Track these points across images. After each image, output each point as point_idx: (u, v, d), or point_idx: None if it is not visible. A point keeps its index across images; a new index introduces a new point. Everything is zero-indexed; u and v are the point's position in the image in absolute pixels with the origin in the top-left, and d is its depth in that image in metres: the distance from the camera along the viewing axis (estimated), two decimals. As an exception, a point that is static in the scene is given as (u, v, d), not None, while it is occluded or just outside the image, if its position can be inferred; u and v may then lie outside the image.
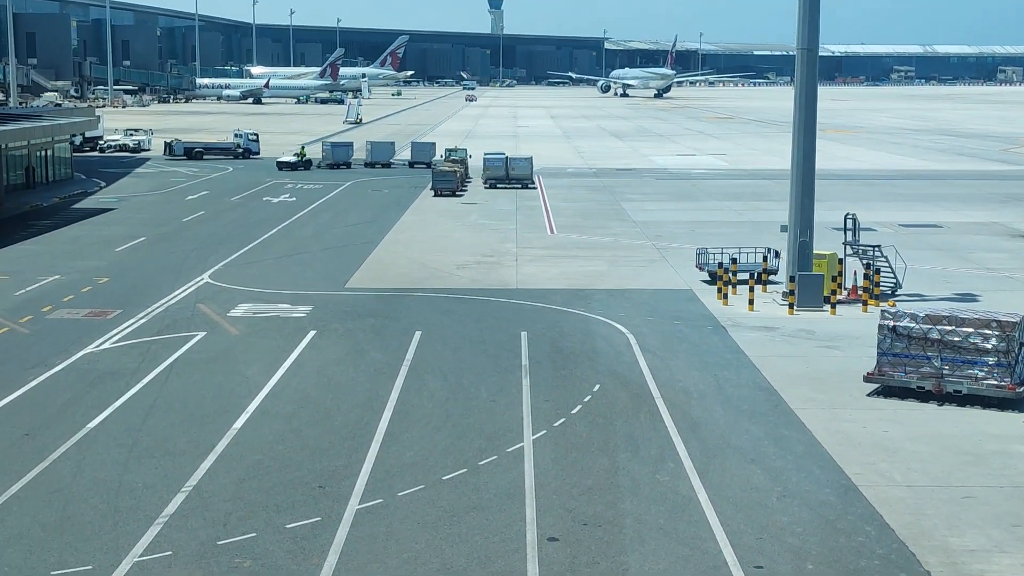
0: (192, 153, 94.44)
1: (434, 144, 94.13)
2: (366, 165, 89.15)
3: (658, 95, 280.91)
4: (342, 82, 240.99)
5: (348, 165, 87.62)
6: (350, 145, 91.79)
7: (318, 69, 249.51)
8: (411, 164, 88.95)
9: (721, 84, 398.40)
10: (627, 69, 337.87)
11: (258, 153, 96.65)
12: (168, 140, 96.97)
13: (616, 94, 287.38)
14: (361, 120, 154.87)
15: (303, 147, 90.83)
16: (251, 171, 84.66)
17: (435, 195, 70.00)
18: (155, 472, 21.98)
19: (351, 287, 40.87)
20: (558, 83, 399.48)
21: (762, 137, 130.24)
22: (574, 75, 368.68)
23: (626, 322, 35.11)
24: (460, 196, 70.02)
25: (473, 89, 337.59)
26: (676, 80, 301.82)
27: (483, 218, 60.23)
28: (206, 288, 40.36)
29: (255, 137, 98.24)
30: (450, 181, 70.35)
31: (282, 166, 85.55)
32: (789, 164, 39.13)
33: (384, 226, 56.69)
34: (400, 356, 30.85)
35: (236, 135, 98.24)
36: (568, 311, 36.79)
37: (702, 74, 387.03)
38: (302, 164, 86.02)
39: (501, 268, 44.79)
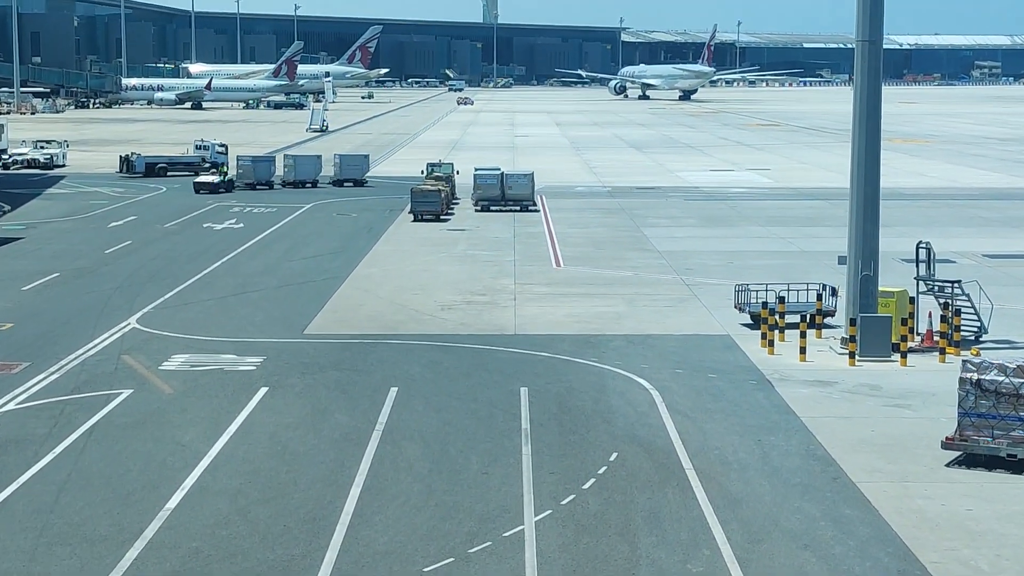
0: (155, 169, 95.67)
1: (366, 156, 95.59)
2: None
3: (684, 97, 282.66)
4: (300, 82, 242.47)
5: (270, 185, 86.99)
6: (271, 160, 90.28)
7: (271, 67, 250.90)
8: (338, 182, 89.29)
9: (764, 84, 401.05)
10: (647, 66, 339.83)
11: (222, 165, 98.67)
12: (125, 154, 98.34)
13: (628, 96, 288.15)
14: (327, 128, 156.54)
15: (223, 164, 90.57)
16: (188, 192, 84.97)
17: (415, 220, 70.25)
18: (70, 563, 21.91)
19: (311, 333, 40.93)
20: (570, 83, 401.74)
21: (814, 148, 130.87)
22: (585, 73, 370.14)
23: (649, 375, 35.14)
24: (445, 221, 70.23)
25: (462, 91, 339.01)
26: (711, 79, 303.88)
27: (473, 248, 60.37)
28: (133, 335, 40.36)
29: (223, 149, 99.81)
30: (433, 203, 70.63)
31: (200, 188, 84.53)
32: (848, 181, 39.32)
33: (352, 258, 56.82)
34: (371, 418, 30.83)
35: (200, 146, 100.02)
36: (578, 362, 36.84)
37: (744, 71, 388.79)
38: (223, 185, 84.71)
39: (496, 309, 44.86)
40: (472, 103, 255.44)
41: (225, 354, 37.68)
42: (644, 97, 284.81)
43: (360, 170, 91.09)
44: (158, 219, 70.95)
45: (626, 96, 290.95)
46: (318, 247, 60.84)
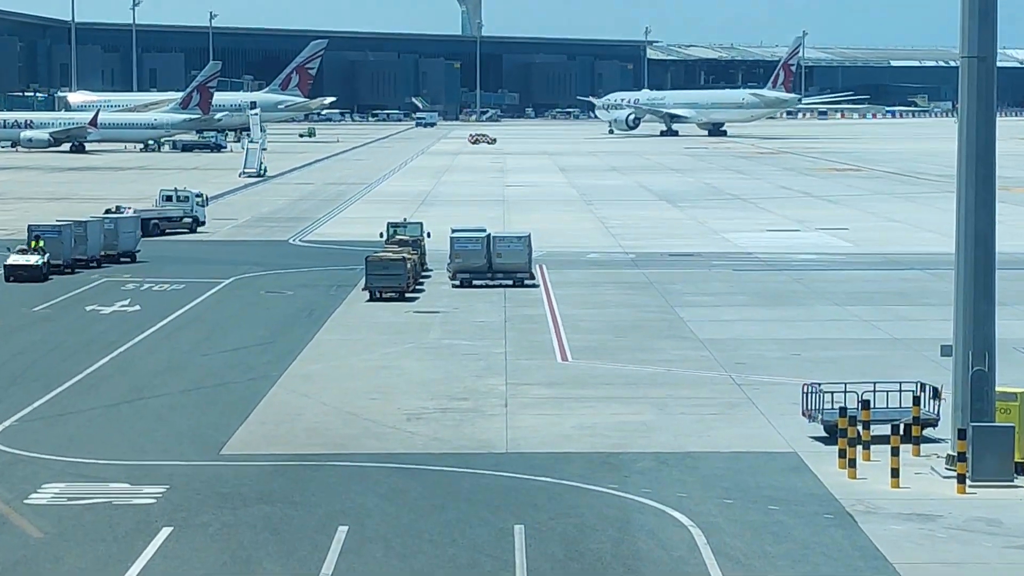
0: (149, 227, 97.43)
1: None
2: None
3: (714, 132, 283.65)
4: (218, 116, 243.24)
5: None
6: (63, 228, 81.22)
7: (178, 95, 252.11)
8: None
9: (839, 115, 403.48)
10: (671, 92, 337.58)
11: (204, 223, 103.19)
12: (112, 207, 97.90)
13: (622, 130, 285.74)
14: (265, 172, 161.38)
15: (36, 239, 79.23)
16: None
17: (371, 298, 70.18)
18: None
19: (231, 453, 40.73)
20: (574, 114, 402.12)
21: (908, 201, 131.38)
22: (597, 100, 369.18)
23: (689, 508, 34.97)
24: (413, 300, 70.17)
25: (434, 124, 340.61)
26: (773, 110, 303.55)
27: (451, 336, 60.27)
28: (-11, 458, 40.12)
29: (202, 200, 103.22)
30: (395, 275, 70.58)
31: (12, 273, 77.03)
32: (952, 245, 39.32)
33: (286, 351, 56.68)
34: (312, 569, 30.59)
35: (179, 197, 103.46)
36: (592, 490, 36.65)
37: (832, 99, 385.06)
38: (43, 273, 77.24)
39: (481, 420, 44.68)
40: (493, 141, 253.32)
41: (115, 482, 37.35)
42: (670, 132, 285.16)
43: (132, 238, 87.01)
44: (24, 300, 70.81)
45: (610, 130, 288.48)
46: (241, 337, 60.68)
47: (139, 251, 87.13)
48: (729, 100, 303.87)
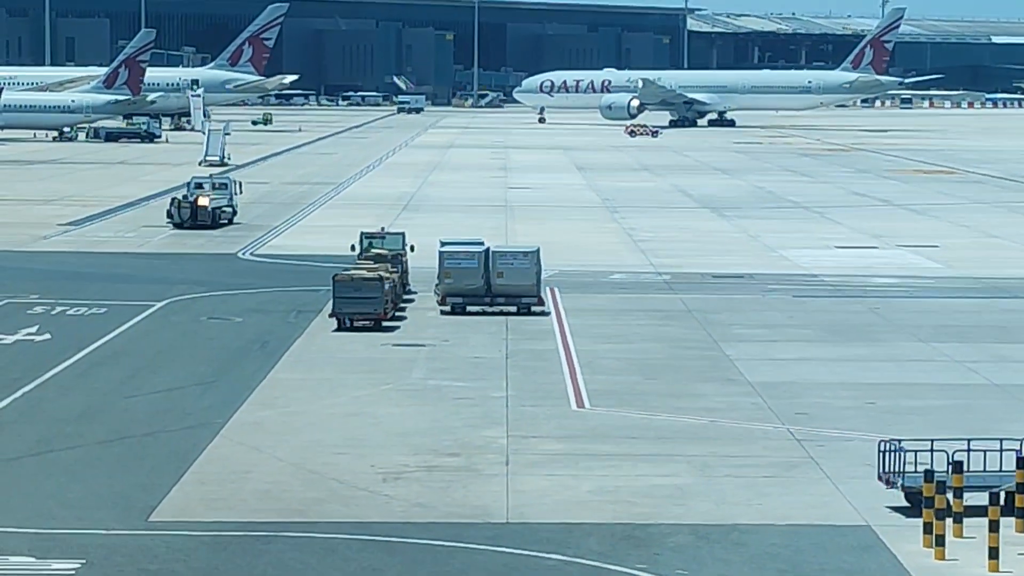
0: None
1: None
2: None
3: (719, 122, 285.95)
4: (150, 97, 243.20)
5: None
6: None
7: (102, 71, 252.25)
8: None
9: (926, 103, 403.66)
10: (675, 72, 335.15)
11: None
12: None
13: (621, 118, 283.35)
14: (228, 160, 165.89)
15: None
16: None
17: (339, 327, 70.16)
18: None
19: (161, 521, 40.62)
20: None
21: (1011, 211, 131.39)
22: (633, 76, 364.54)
23: (735, 595, 34.95)
24: (392, 330, 70.23)
25: (421, 110, 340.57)
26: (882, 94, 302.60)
27: (438, 375, 60.34)
28: None
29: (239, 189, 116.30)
30: (370, 299, 70.45)
31: None
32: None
33: (233, 393, 56.61)
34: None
35: (216, 184, 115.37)
36: (614, 571, 36.65)
37: (922, 83, 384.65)
38: None
39: (475, 481, 44.69)
40: (655, 133, 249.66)
41: (16, 555, 37.31)
42: (684, 122, 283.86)
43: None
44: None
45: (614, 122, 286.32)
46: (176, 374, 60.60)
47: None
48: (783, 83, 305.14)
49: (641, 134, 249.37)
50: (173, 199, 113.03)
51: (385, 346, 66.81)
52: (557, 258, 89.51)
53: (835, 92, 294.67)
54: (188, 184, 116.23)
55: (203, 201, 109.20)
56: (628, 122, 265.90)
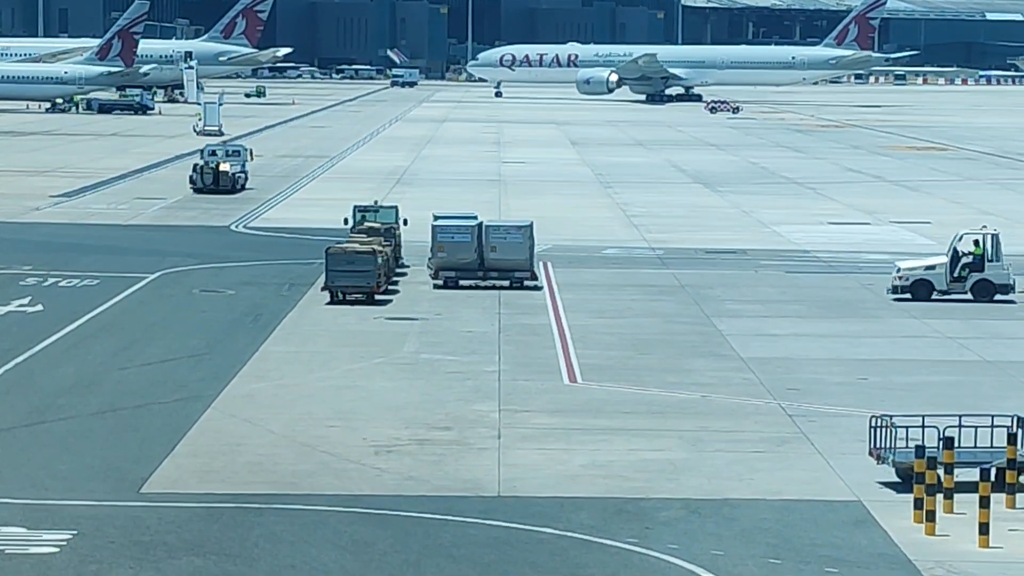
0: None
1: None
2: None
3: (659, 98, 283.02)
4: (143, 70, 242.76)
5: None
6: None
7: (95, 43, 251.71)
8: None
9: (920, 79, 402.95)
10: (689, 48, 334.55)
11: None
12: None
13: (599, 93, 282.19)
14: (221, 129, 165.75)
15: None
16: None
17: (332, 300, 70.18)
18: None
19: (153, 492, 40.69)
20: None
21: (1004, 188, 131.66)
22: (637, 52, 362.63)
23: (726, 569, 35.02)
24: (384, 303, 70.27)
25: (414, 84, 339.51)
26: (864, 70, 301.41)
27: (431, 349, 60.41)
28: None
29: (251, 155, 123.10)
30: (363, 272, 70.44)
31: None
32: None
33: (225, 365, 56.69)
34: (254, 639, 30.65)
35: (229, 151, 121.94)
36: (606, 545, 36.68)
37: (905, 59, 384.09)
38: None
39: (467, 454, 44.71)
40: (736, 110, 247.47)
41: (7, 526, 37.33)
42: (660, 98, 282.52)
43: None
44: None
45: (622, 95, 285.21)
46: (168, 346, 60.64)
47: None
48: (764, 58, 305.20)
49: (722, 110, 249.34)
50: (195, 165, 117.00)
51: (378, 319, 66.88)
52: (550, 233, 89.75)
53: (819, 68, 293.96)
54: (202, 151, 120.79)
55: (224, 167, 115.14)
56: (709, 100, 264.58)
